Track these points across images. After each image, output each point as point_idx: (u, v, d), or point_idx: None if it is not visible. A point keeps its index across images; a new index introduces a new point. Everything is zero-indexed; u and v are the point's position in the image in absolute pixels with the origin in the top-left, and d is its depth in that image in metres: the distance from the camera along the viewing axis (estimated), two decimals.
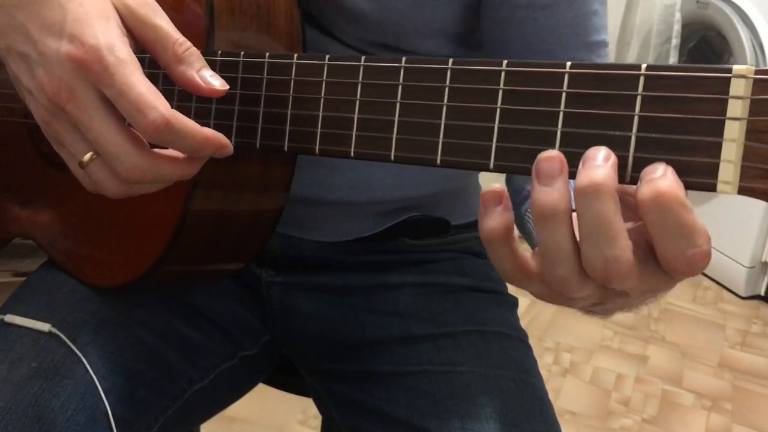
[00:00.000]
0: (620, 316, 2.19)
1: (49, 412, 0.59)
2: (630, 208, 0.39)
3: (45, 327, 0.64)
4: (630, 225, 0.38)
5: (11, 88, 0.53)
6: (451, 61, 0.44)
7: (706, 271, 2.46)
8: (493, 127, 0.42)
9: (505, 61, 0.42)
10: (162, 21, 0.48)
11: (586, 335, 2.10)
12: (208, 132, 0.47)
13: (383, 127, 0.46)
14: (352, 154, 0.48)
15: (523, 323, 0.78)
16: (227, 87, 0.48)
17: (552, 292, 0.40)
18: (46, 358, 0.62)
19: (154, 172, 0.47)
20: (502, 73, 0.42)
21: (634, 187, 0.37)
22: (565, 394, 1.84)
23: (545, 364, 1.95)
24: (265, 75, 0.50)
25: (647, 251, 0.37)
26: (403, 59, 0.45)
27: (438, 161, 0.44)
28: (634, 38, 2.68)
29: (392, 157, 0.46)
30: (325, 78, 0.48)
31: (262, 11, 0.55)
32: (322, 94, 0.48)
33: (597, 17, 0.65)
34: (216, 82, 0.48)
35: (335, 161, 0.70)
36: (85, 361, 0.62)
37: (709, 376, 1.95)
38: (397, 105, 0.45)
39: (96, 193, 0.50)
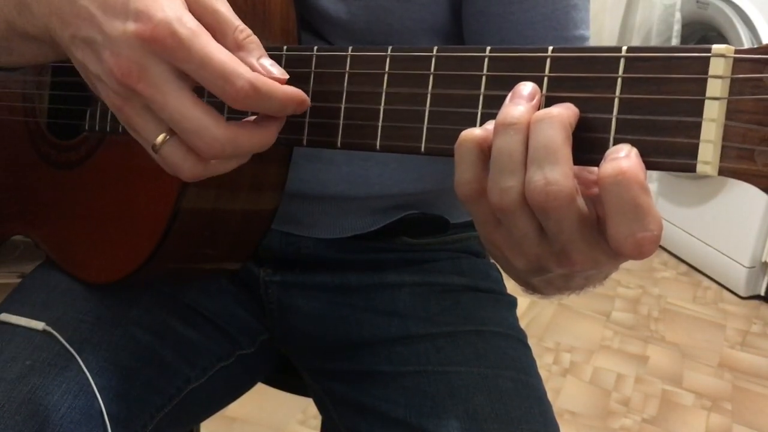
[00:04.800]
0: (621, 316, 2.19)
1: (43, 410, 0.59)
2: (585, 183, 0.40)
3: (39, 325, 0.64)
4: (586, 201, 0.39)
5: (11, 87, 0.53)
6: (435, 48, 0.44)
7: (706, 271, 2.46)
8: (477, 113, 0.42)
9: (488, 48, 0.42)
10: (222, 6, 0.46)
11: (586, 335, 2.09)
12: (288, 89, 0.45)
13: (369, 116, 0.46)
14: (338, 144, 0.48)
15: (523, 323, 0.78)
16: (287, 76, 0.46)
17: (497, 226, 0.41)
18: (40, 357, 0.62)
19: (233, 145, 0.45)
20: (486, 59, 0.42)
21: (596, 169, 0.37)
22: (565, 394, 1.84)
23: (545, 364, 1.94)
24: None
25: (597, 225, 0.38)
26: (389, 48, 0.45)
27: (422, 149, 0.44)
28: (634, 38, 2.68)
29: (378, 146, 0.46)
30: (313, 69, 0.48)
31: (257, 9, 0.55)
32: (311, 86, 0.48)
33: (576, 11, 0.64)
34: (275, 70, 0.46)
35: (331, 156, 0.70)
36: (78, 359, 0.62)
37: (709, 376, 1.95)
38: (383, 94, 0.45)
39: (94, 191, 0.50)
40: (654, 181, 2.59)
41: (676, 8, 2.49)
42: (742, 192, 2.25)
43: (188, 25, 0.43)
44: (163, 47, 0.43)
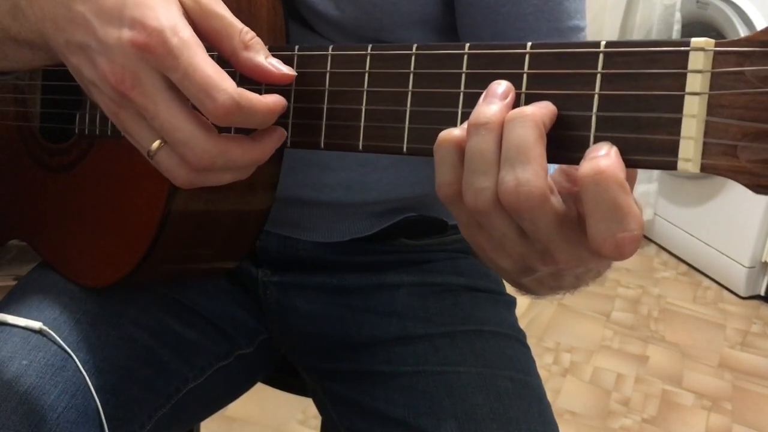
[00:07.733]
0: (621, 316, 2.19)
1: (40, 409, 0.59)
2: (571, 180, 0.40)
3: (36, 325, 0.64)
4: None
5: (2, 91, 0.52)
6: (415, 46, 0.43)
7: (706, 271, 2.45)
8: (457, 111, 0.42)
9: (467, 45, 0.41)
10: (225, 11, 0.46)
11: (586, 335, 2.09)
12: (271, 102, 0.45)
13: (351, 116, 0.46)
14: (322, 144, 0.47)
15: (523, 323, 0.77)
16: (295, 74, 0.47)
17: (479, 228, 0.41)
18: (36, 357, 0.62)
19: (224, 157, 0.45)
20: (465, 57, 0.41)
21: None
22: (565, 394, 1.84)
23: (545, 364, 1.94)
24: None
25: (577, 223, 0.38)
26: (369, 46, 0.45)
27: (404, 149, 0.44)
28: (634, 38, 2.68)
29: (360, 146, 0.46)
30: (295, 69, 0.47)
31: (242, 5, 0.55)
32: (293, 86, 0.48)
33: (569, 1, 0.63)
34: (284, 68, 0.46)
35: (329, 161, 0.69)
36: (75, 359, 0.62)
37: (709, 376, 1.95)
38: (364, 93, 0.45)
39: (86, 195, 0.50)
40: (654, 181, 2.59)
41: (676, 8, 2.49)
42: (743, 192, 2.22)
43: (180, 35, 0.43)
44: (155, 56, 0.43)
